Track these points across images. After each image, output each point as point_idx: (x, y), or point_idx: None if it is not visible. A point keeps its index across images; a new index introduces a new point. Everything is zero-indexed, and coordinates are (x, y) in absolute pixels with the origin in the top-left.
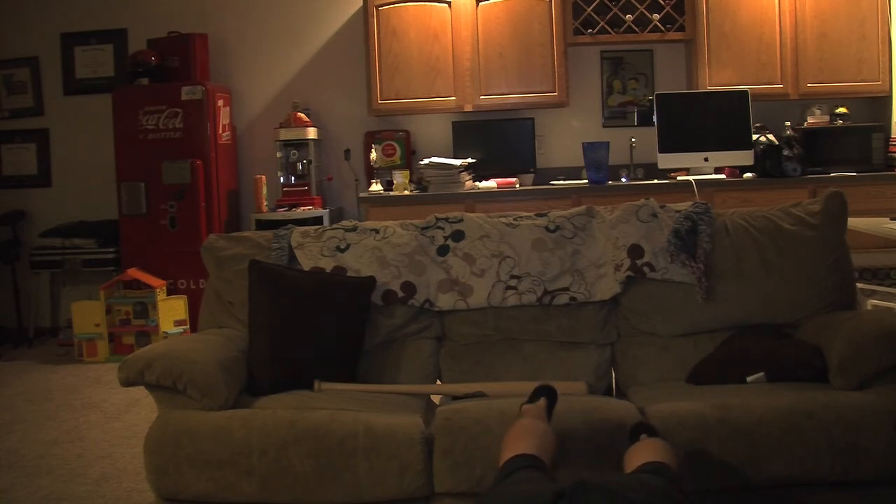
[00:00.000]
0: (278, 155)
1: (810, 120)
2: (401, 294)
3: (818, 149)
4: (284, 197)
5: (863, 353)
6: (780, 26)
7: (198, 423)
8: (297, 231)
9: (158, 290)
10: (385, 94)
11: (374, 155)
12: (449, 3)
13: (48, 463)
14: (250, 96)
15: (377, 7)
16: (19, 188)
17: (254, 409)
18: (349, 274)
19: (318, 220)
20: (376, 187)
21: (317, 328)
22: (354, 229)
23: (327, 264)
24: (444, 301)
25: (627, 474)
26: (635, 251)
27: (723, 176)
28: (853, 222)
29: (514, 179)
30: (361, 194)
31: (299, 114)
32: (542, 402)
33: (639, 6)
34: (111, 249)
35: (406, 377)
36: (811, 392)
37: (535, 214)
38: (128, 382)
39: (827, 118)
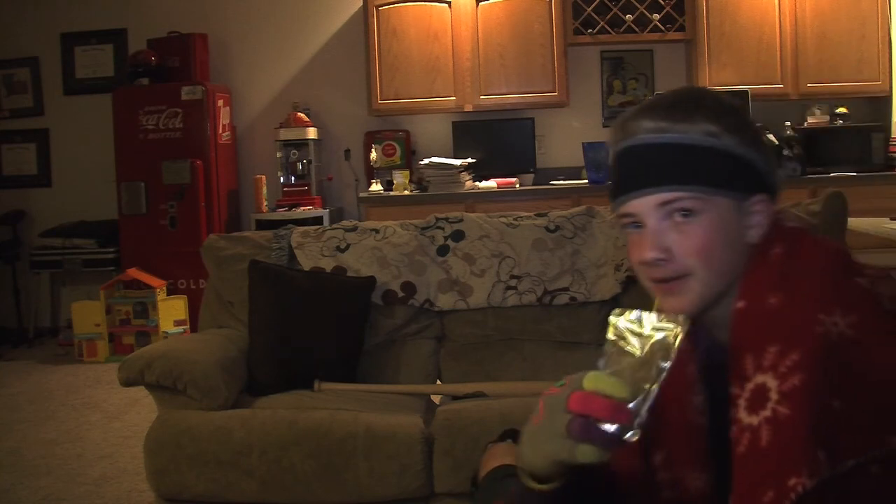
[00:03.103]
0: (278, 155)
1: (810, 120)
2: (401, 294)
3: (818, 149)
4: (284, 197)
5: None
6: (780, 26)
7: (198, 423)
8: (297, 231)
9: (158, 290)
10: (385, 94)
11: (374, 155)
12: (449, 3)
13: (48, 463)
14: (250, 96)
15: (377, 7)
16: (19, 188)
17: (254, 409)
18: (349, 274)
19: (318, 220)
20: (376, 187)
21: (317, 328)
22: (354, 229)
23: (327, 264)
24: (444, 301)
25: None
26: None
27: None
28: (853, 222)
29: (514, 179)
30: (361, 194)
31: (299, 114)
32: (509, 442)
33: (639, 6)
34: (111, 249)
35: (406, 377)
36: None
37: (535, 214)
38: (128, 382)
39: (827, 118)
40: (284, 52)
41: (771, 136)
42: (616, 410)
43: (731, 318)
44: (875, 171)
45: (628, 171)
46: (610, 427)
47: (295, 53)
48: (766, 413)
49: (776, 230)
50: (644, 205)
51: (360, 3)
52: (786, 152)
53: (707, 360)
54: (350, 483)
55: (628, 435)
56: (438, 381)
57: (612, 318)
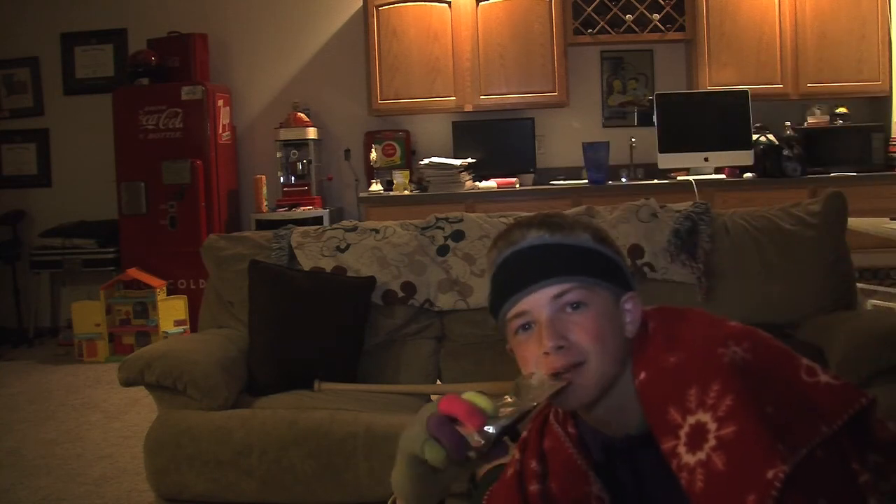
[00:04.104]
0: (278, 155)
1: (810, 120)
2: (401, 294)
3: (818, 149)
4: (284, 197)
5: (863, 353)
6: (780, 26)
7: (198, 423)
8: (297, 231)
9: (158, 290)
10: (385, 94)
11: (374, 155)
12: (449, 3)
13: (48, 463)
14: (250, 96)
15: (377, 7)
16: (19, 188)
17: (254, 409)
18: (349, 274)
19: (318, 220)
20: (376, 187)
21: (317, 328)
22: (354, 229)
23: (327, 264)
24: (444, 301)
25: None
26: (635, 251)
27: (723, 176)
28: (853, 222)
29: (514, 179)
30: (361, 194)
31: (299, 114)
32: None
33: (639, 6)
34: (111, 249)
35: (406, 377)
36: None
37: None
38: (128, 382)
39: (827, 118)
40: (284, 52)
41: (771, 136)
42: (471, 413)
43: (638, 391)
44: (875, 171)
45: (519, 272)
46: (463, 431)
47: (295, 53)
48: (711, 443)
49: (643, 316)
50: (538, 300)
51: (360, 3)
52: (786, 152)
53: (601, 457)
54: (350, 483)
55: (475, 443)
56: (438, 381)
57: (516, 381)
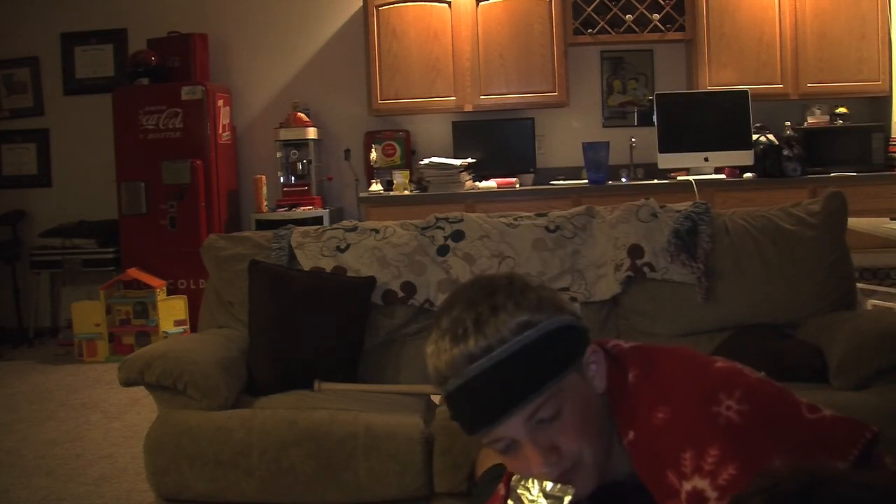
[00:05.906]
0: (278, 155)
1: (810, 120)
2: (401, 294)
3: (818, 149)
4: (284, 197)
5: (863, 353)
6: (780, 26)
7: (198, 423)
8: (297, 231)
9: (158, 290)
10: (385, 94)
11: (374, 155)
12: (449, 3)
13: (48, 463)
14: (250, 96)
15: (377, 7)
16: (19, 188)
17: (254, 409)
18: (349, 274)
19: (318, 220)
20: (376, 187)
21: (317, 328)
22: (354, 229)
23: (327, 264)
24: None
25: None
26: (635, 251)
27: (723, 176)
28: (853, 222)
29: (514, 179)
30: (361, 194)
31: (299, 114)
32: None
33: (639, 6)
34: (111, 249)
35: (406, 377)
36: (811, 392)
37: (535, 214)
38: (128, 382)
39: (827, 118)
40: (284, 52)
41: (771, 136)
42: None
43: (629, 452)
44: (875, 171)
45: (479, 405)
46: None
47: (295, 53)
48: None
49: (618, 358)
50: (512, 426)
51: (360, 3)
52: (786, 152)
53: (587, 501)
54: (350, 483)
55: None
56: None
57: (512, 483)
